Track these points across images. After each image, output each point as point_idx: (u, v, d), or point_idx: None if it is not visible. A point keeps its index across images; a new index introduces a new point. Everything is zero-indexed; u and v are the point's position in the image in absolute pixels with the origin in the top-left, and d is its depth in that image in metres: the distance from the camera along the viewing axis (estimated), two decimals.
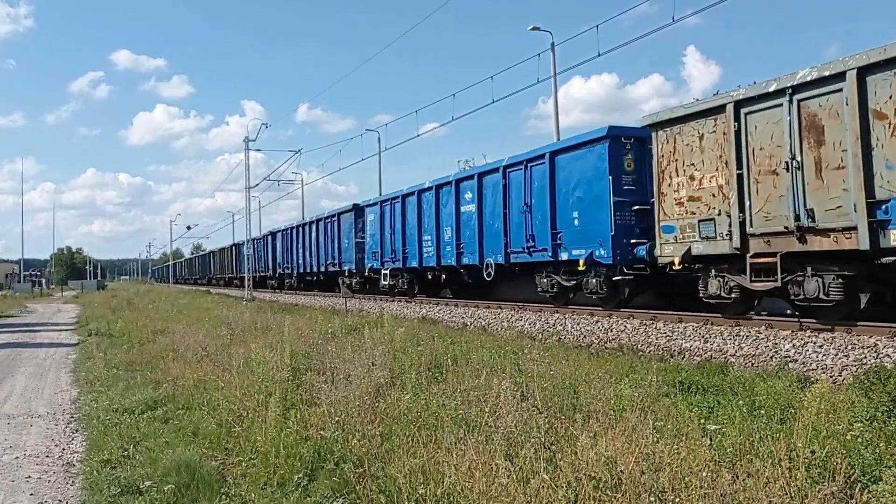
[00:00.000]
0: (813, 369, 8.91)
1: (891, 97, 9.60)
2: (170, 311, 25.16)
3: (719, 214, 12.17)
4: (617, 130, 15.42)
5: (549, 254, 17.02)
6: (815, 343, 9.97)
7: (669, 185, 13.28)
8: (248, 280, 39.93)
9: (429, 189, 23.58)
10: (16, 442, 7.59)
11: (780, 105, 11.08)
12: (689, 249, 12.73)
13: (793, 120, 10.86)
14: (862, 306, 11.25)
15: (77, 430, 8.05)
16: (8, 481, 6.16)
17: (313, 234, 35.92)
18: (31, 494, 5.78)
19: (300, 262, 38.57)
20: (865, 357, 8.97)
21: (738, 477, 4.05)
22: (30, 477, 6.27)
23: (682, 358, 10.49)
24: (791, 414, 5.47)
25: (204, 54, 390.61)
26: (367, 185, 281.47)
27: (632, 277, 14.93)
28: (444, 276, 23.66)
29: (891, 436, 4.89)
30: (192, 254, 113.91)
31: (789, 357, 9.55)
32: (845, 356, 9.18)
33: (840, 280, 10.56)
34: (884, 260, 9.93)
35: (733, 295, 12.33)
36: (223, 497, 5.29)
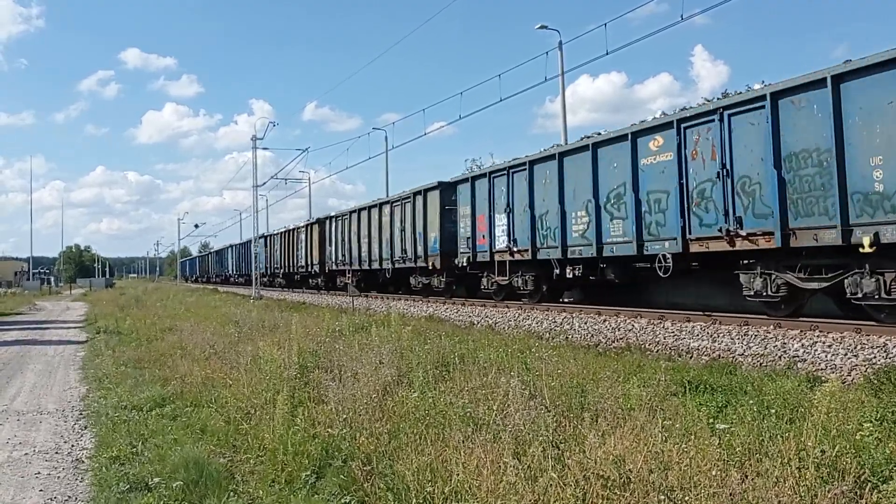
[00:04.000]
0: (822, 369, 8.88)
1: None
2: (177, 310, 25.24)
3: None
4: None
5: None
6: (823, 343, 9.93)
7: None
8: (255, 278, 40.00)
9: None
10: (25, 438, 7.62)
11: None
12: None
13: None
14: None
15: (86, 427, 8.09)
16: (18, 477, 6.19)
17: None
18: (41, 490, 5.81)
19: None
20: (875, 357, 8.93)
21: (747, 476, 4.04)
22: (39, 473, 6.30)
23: (691, 357, 10.47)
24: (800, 414, 5.45)
25: (213, 53, 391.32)
26: (374, 183, 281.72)
27: None
28: None
29: None
30: (201, 250, 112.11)
31: (798, 357, 9.52)
32: (854, 356, 9.14)
33: None
34: None
35: None
36: (231, 494, 5.30)
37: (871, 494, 3.84)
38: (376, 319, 13.81)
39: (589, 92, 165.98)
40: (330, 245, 34.75)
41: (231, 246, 67.89)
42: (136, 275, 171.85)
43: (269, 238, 48.76)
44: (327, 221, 35.68)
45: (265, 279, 48.99)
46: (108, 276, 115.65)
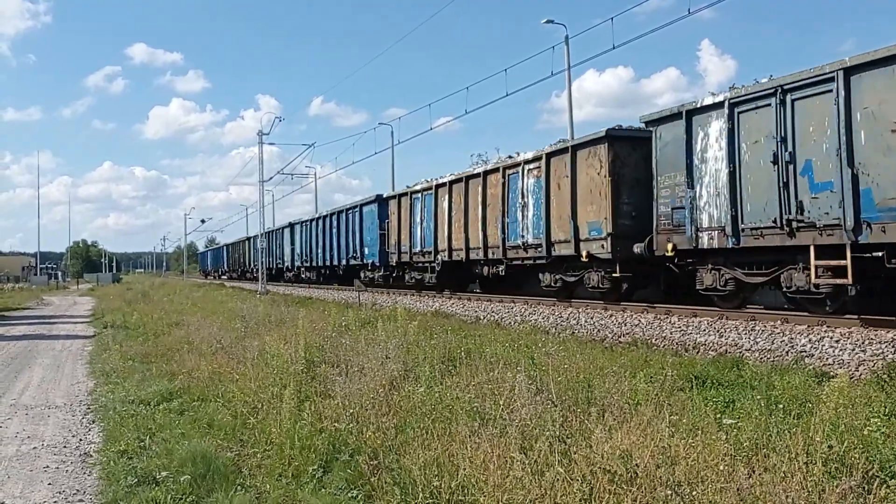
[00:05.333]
0: (829, 364, 8.85)
1: None
2: (184, 304, 25.30)
3: None
4: None
5: None
6: (831, 338, 9.89)
7: None
8: (262, 273, 40.04)
9: None
10: (34, 432, 7.66)
11: None
12: None
13: None
14: None
15: (94, 421, 8.12)
16: (26, 471, 6.22)
17: None
18: (49, 484, 5.83)
19: None
20: (883, 352, 8.90)
21: (754, 471, 4.03)
22: (48, 467, 6.33)
23: (697, 352, 10.44)
24: (808, 409, 5.43)
25: (220, 49, 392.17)
26: (379, 179, 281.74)
27: None
28: None
29: None
30: (207, 245, 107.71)
31: (805, 352, 9.49)
32: (862, 351, 9.10)
33: None
34: None
35: None
36: (238, 488, 5.31)
37: (880, 489, 3.83)
38: (382, 315, 13.81)
39: (595, 87, 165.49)
40: (670, 189, 13.95)
41: (295, 224, 44.74)
42: (142, 270, 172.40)
43: (391, 201, 28.50)
44: (646, 139, 14.77)
45: (384, 275, 29.35)
46: (114, 272, 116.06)
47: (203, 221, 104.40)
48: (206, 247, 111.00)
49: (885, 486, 3.91)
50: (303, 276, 42.96)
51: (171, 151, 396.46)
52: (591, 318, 14.37)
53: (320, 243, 38.71)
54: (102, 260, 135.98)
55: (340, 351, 9.15)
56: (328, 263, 37.29)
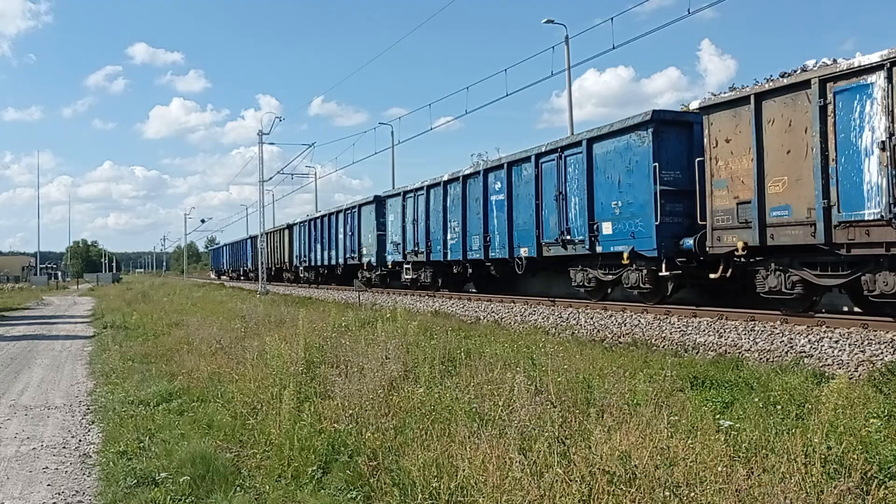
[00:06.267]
0: (829, 365, 8.86)
1: None
2: (184, 305, 25.29)
3: None
4: None
5: None
6: (830, 338, 9.89)
7: None
8: (262, 273, 40.04)
9: None
10: (33, 433, 7.66)
11: None
12: None
13: None
14: None
15: (93, 422, 8.12)
16: (26, 472, 6.22)
17: None
18: (49, 485, 5.83)
19: None
20: (882, 353, 8.90)
21: (753, 472, 4.03)
22: (47, 468, 6.33)
23: (697, 353, 10.45)
24: (807, 409, 5.43)
25: (220, 48, 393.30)
26: (380, 178, 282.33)
27: None
28: None
29: None
30: (207, 245, 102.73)
31: (804, 352, 9.49)
32: (861, 352, 9.11)
33: None
34: None
35: None
36: (238, 489, 5.32)
37: (878, 491, 3.83)
38: (382, 315, 13.81)
39: (596, 86, 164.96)
40: None
41: (389, 197, 28.21)
42: (142, 270, 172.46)
43: (711, 116, 12.45)
44: None
45: (674, 276, 13.98)
46: (114, 271, 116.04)
47: (203, 221, 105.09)
48: (207, 246, 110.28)
49: (883, 487, 3.91)
50: (405, 276, 26.31)
51: (172, 151, 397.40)
52: (591, 319, 14.37)
53: (452, 224, 22.62)
54: (102, 260, 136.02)
55: (340, 351, 9.15)
56: (481, 255, 20.89)
